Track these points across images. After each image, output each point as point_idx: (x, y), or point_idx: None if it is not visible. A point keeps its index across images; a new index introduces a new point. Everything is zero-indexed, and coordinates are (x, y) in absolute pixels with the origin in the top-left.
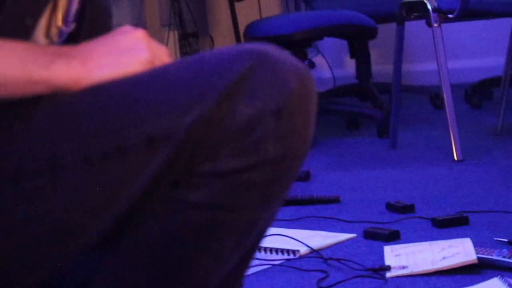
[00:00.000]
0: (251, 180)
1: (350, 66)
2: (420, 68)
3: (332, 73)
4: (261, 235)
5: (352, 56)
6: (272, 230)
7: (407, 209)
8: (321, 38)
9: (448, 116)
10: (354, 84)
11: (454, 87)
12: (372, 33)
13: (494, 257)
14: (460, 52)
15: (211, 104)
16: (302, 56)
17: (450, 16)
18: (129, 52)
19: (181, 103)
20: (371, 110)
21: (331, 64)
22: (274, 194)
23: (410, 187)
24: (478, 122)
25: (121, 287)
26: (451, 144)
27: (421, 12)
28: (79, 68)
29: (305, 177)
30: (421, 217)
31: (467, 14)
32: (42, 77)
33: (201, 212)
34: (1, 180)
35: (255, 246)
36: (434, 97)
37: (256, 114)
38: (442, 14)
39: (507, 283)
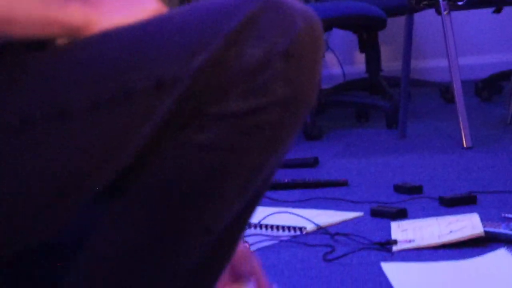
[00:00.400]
0: (259, 122)
1: (360, 61)
2: (431, 65)
3: (342, 69)
4: (266, 182)
5: (362, 50)
6: (279, 209)
7: (415, 190)
8: (330, 28)
9: (458, 105)
10: (364, 78)
11: (464, 83)
12: (381, 24)
13: (501, 231)
14: (470, 48)
15: (218, 46)
16: None
17: (459, 3)
18: (139, 1)
19: (189, 47)
20: (380, 101)
21: (341, 60)
22: (281, 137)
23: (418, 171)
24: (487, 114)
25: (127, 233)
26: (461, 132)
27: (431, 0)
28: (91, 12)
29: (313, 163)
30: (429, 197)
31: (476, 1)
32: (59, 18)
33: (209, 154)
34: (8, 129)
35: (260, 193)
36: (444, 91)
37: (264, 55)
38: (452, 1)
39: None
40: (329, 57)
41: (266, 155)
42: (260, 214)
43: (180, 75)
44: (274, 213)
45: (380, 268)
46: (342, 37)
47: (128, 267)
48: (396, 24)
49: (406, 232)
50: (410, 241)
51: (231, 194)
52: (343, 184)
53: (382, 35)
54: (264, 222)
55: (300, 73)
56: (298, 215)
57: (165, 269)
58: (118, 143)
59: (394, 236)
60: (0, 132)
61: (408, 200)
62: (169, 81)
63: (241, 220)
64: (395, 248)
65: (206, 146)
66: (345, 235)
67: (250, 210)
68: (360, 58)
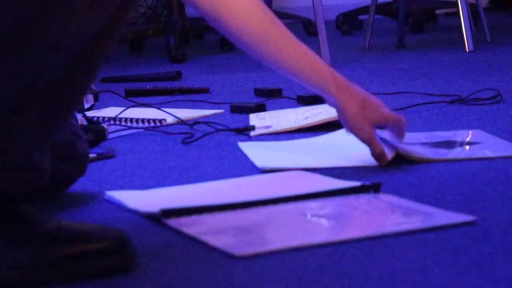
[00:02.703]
0: None
1: None
2: (295, 5)
3: None
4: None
5: None
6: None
7: (275, 92)
8: None
9: (319, 30)
10: None
11: (327, 22)
12: None
13: None
14: None
15: None
16: None
17: None
18: None
19: None
20: None
21: None
22: None
23: (279, 80)
24: (347, 43)
25: None
26: (321, 53)
27: None
28: None
29: (176, 76)
30: (288, 97)
31: None
32: None
33: None
34: None
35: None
36: (307, 24)
37: None
38: None
39: None
40: None
41: None
42: (121, 110)
43: None
44: (135, 106)
45: (238, 148)
46: None
47: None
48: None
49: (264, 120)
50: (267, 127)
51: (78, 10)
52: (204, 90)
53: None
54: (124, 116)
55: None
56: (159, 109)
57: (17, 82)
58: None
59: (252, 124)
60: None
61: (268, 100)
62: None
63: (97, 46)
64: (252, 133)
65: None
66: (204, 123)
67: (106, 38)
68: None
